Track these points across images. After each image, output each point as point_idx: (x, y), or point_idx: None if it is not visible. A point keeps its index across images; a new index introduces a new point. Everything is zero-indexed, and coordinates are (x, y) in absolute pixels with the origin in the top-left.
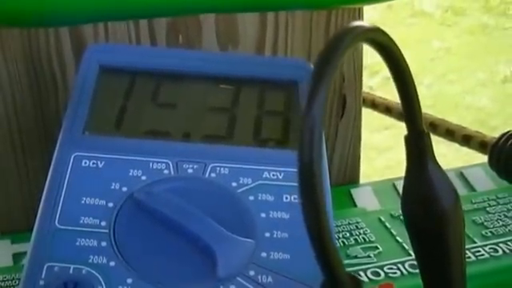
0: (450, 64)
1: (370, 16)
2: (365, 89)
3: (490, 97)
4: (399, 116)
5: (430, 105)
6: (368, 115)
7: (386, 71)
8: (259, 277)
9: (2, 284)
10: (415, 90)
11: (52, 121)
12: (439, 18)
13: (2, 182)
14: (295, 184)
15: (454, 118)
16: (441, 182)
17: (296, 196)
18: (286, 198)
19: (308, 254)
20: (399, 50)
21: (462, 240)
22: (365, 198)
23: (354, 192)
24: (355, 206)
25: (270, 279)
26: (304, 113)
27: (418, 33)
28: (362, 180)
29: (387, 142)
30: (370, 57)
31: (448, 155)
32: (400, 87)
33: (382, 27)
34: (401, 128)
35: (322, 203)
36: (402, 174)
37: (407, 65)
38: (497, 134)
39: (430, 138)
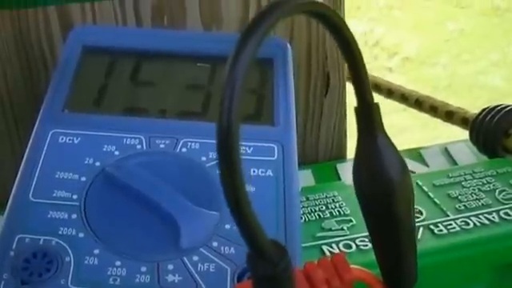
0: (463, 45)
1: None
2: (384, 70)
3: (503, 77)
4: (388, 94)
5: (446, 85)
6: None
7: (403, 53)
8: (222, 248)
9: None
10: (363, 62)
11: (43, 98)
12: (454, 0)
13: None
14: (263, 158)
15: (469, 98)
16: (389, 152)
17: (263, 169)
18: (254, 171)
19: (271, 227)
20: (343, 22)
21: (411, 211)
22: (350, 173)
23: (340, 167)
24: (339, 180)
25: (232, 250)
26: (225, 79)
27: (434, 15)
28: None
29: (405, 122)
30: (388, 39)
31: None
32: (348, 60)
33: (400, 10)
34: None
35: (239, 171)
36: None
37: (353, 37)
38: None
39: (379, 110)
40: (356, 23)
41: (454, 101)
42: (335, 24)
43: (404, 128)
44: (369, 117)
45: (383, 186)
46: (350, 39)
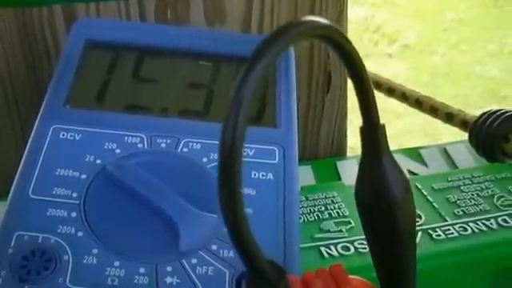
0: (462, 35)
1: None
2: (384, 56)
3: (500, 68)
4: (388, 92)
5: (444, 73)
6: None
7: (403, 39)
8: (221, 251)
9: None
10: (369, 82)
11: (46, 88)
12: None
13: (1, 147)
14: (264, 161)
15: (466, 87)
16: (393, 172)
17: (264, 173)
18: (255, 174)
19: (271, 230)
20: (350, 43)
21: (413, 232)
22: (349, 171)
23: (340, 164)
24: (339, 178)
25: (231, 254)
26: (231, 101)
27: (434, 4)
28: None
29: (403, 106)
30: (389, 25)
31: None
32: (355, 80)
33: None
34: None
35: (239, 194)
36: (419, 139)
37: (359, 56)
38: (506, 104)
39: (384, 130)
40: (358, 8)
41: (452, 89)
42: (344, 47)
43: (404, 113)
44: (375, 138)
45: (387, 203)
46: (359, 61)
